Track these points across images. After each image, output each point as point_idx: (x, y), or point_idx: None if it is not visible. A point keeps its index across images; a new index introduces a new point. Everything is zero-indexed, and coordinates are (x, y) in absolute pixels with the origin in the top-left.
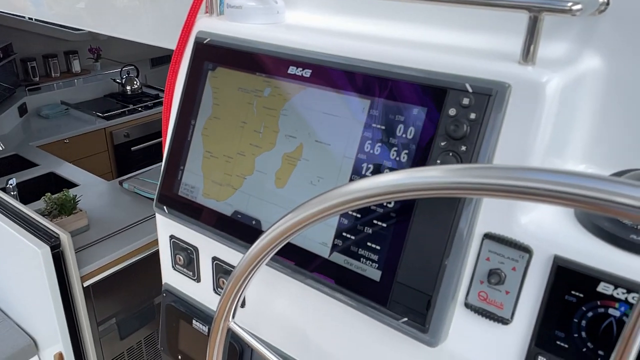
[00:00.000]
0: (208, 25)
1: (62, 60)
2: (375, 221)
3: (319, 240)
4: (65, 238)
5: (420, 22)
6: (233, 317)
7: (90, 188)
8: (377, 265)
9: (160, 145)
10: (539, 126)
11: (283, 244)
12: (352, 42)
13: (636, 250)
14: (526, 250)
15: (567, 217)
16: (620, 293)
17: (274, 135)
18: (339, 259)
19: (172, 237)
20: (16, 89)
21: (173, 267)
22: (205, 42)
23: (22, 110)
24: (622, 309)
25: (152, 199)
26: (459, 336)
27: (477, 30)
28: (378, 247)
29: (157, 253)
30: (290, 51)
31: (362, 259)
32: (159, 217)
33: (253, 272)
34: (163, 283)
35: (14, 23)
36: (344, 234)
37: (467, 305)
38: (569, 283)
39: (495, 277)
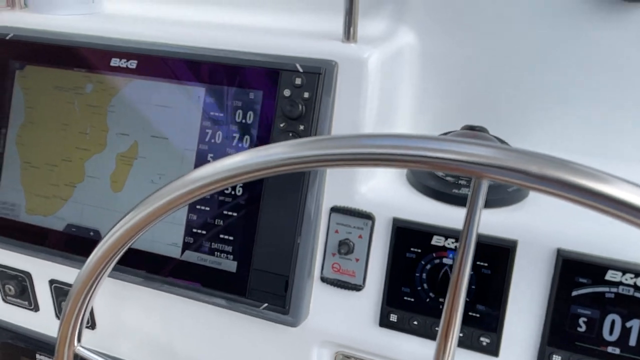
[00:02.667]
0: (9, 18)
1: None
2: (225, 212)
3: (168, 242)
4: None
5: (242, 7)
6: (79, 340)
7: None
8: (232, 256)
9: None
10: (366, 99)
11: (124, 250)
12: (180, 29)
13: (458, 202)
14: (368, 217)
15: (400, 181)
16: (450, 243)
17: (103, 135)
18: (192, 257)
19: None
20: None
21: (3, 299)
22: (7, 37)
23: None
24: (451, 255)
25: None
26: (319, 311)
27: (298, 12)
28: (231, 238)
29: None
30: (112, 42)
31: (216, 252)
32: None
33: (95, 286)
34: None
35: None
36: (194, 230)
37: (323, 279)
38: (408, 241)
39: (344, 247)
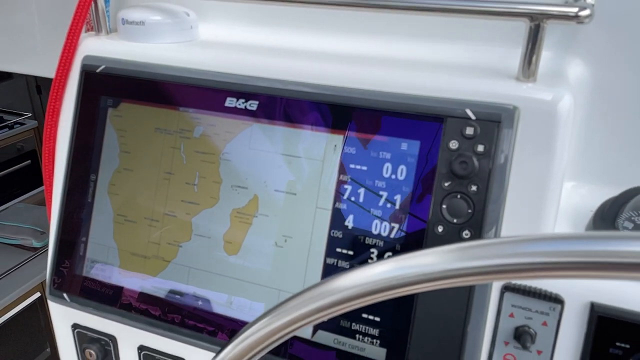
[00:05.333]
0: (97, 47)
1: None
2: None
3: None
4: None
5: (376, 34)
6: None
7: None
8: (379, 341)
9: (12, 180)
10: (555, 153)
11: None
12: (309, 62)
13: None
14: (557, 300)
15: None
16: None
17: (215, 188)
18: (327, 338)
19: (75, 326)
20: None
21: None
22: (98, 70)
23: None
24: None
25: (14, 245)
26: None
27: (450, 41)
28: (378, 319)
29: (29, 309)
30: (226, 78)
31: (357, 335)
32: (54, 304)
33: None
34: None
35: None
36: None
37: None
38: (613, 333)
39: (526, 336)
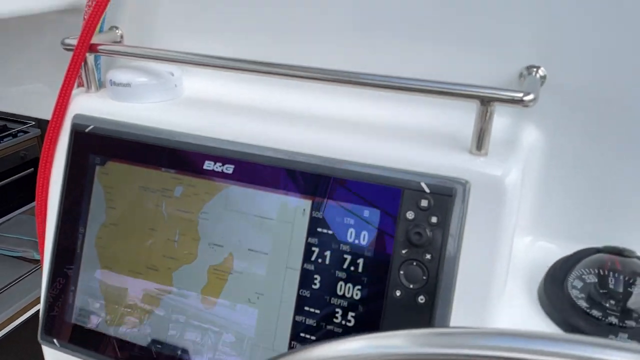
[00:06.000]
0: (87, 105)
1: None
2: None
3: (267, 346)
4: None
5: (346, 96)
6: None
7: None
8: None
9: (15, 188)
10: (502, 223)
11: None
12: (281, 128)
13: None
14: None
15: (538, 315)
16: None
17: (194, 245)
18: None
19: None
20: None
21: None
22: (87, 130)
23: None
24: None
25: (15, 257)
26: None
27: (414, 104)
28: None
29: (30, 322)
30: (205, 142)
31: None
32: (46, 347)
33: None
34: None
35: None
36: (302, 334)
37: None
38: None
39: None
